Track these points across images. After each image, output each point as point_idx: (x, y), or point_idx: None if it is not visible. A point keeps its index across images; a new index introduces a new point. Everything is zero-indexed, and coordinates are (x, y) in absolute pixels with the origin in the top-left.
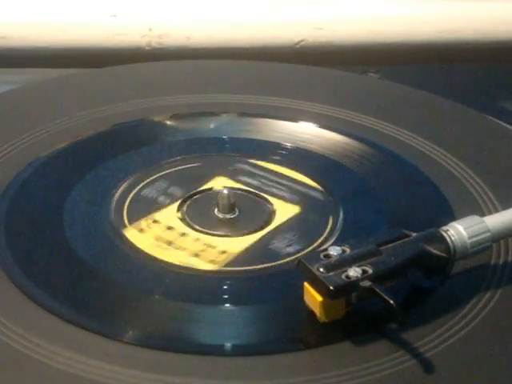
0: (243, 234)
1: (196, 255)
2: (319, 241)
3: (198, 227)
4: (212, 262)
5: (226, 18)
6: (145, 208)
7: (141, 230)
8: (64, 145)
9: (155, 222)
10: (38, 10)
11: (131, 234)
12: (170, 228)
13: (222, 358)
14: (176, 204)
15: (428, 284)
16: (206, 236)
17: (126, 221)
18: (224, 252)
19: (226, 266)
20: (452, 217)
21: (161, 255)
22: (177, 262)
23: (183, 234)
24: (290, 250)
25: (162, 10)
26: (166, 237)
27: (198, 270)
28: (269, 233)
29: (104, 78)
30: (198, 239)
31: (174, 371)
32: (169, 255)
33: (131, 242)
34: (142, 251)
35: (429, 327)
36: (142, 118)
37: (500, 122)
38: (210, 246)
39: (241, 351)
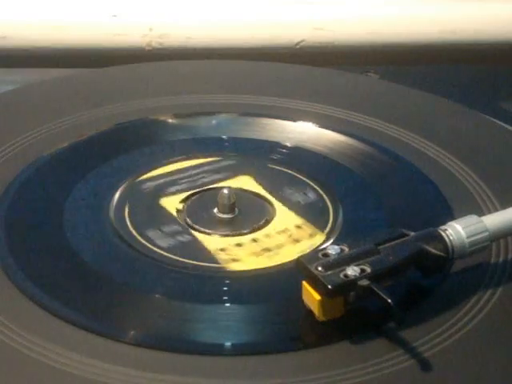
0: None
1: None
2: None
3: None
4: None
5: (226, 18)
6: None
7: None
8: (65, 145)
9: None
10: (38, 10)
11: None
12: None
13: (222, 358)
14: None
15: (427, 283)
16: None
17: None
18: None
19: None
20: (451, 216)
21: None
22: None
23: None
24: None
25: (162, 10)
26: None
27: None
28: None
29: (104, 78)
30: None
31: (174, 371)
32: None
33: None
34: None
35: (428, 326)
36: (142, 118)
37: (500, 122)
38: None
39: (240, 351)
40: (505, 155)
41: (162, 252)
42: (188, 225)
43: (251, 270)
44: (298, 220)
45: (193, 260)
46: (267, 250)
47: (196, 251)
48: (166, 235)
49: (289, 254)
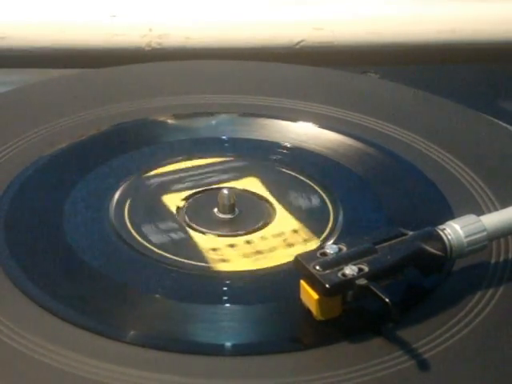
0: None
1: None
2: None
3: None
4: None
5: (225, 18)
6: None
7: None
8: (64, 145)
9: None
10: (38, 10)
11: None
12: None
13: (222, 358)
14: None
15: (427, 283)
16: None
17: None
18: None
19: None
20: (451, 216)
21: None
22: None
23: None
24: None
25: (161, 10)
26: None
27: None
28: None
29: (104, 78)
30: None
31: (174, 371)
32: None
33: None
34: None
35: (429, 327)
36: (142, 118)
37: (500, 122)
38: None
39: (240, 351)
40: (505, 155)
41: (162, 252)
42: (187, 224)
43: (250, 270)
44: (296, 224)
45: (188, 259)
46: (259, 252)
47: (190, 250)
48: (166, 235)
49: (279, 258)
